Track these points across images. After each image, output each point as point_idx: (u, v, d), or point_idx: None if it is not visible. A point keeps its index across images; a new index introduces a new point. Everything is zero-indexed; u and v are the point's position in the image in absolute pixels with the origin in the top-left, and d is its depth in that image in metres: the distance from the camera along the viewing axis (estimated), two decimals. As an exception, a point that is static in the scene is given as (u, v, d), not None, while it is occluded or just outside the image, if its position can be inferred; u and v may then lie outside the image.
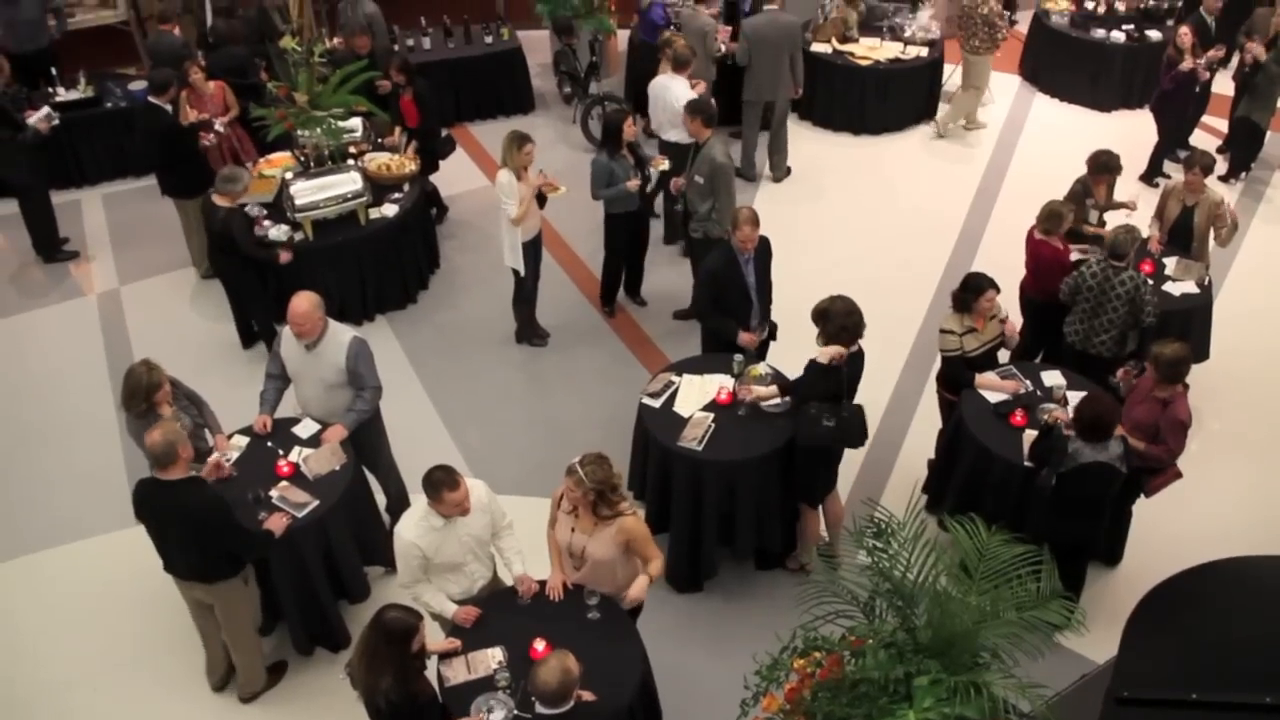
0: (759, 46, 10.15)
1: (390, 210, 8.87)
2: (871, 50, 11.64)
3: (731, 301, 7.08)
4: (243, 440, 6.34)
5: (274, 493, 5.96)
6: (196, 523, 5.34)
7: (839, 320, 5.95)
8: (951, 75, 12.26)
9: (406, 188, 9.12)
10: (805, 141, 11.20)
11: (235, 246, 7.88)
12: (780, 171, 10.90)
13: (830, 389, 6.00)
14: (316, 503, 5.93)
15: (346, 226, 8.66)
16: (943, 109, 11.86)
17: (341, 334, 6.29)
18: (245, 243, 7.93)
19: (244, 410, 6.57)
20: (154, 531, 5.55)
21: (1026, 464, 6.12)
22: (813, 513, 6.58)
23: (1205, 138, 11.09)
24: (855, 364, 6.14)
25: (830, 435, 6.02)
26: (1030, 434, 6.24)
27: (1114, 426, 5.72)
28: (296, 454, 6.20)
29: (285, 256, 8.10)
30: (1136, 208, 8.21)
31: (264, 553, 5.73)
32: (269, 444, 6.29)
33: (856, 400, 6.22)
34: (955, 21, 11.52)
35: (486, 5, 12.96)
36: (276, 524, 5.70)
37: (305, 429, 6.39)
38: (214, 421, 6.37)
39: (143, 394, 5.79)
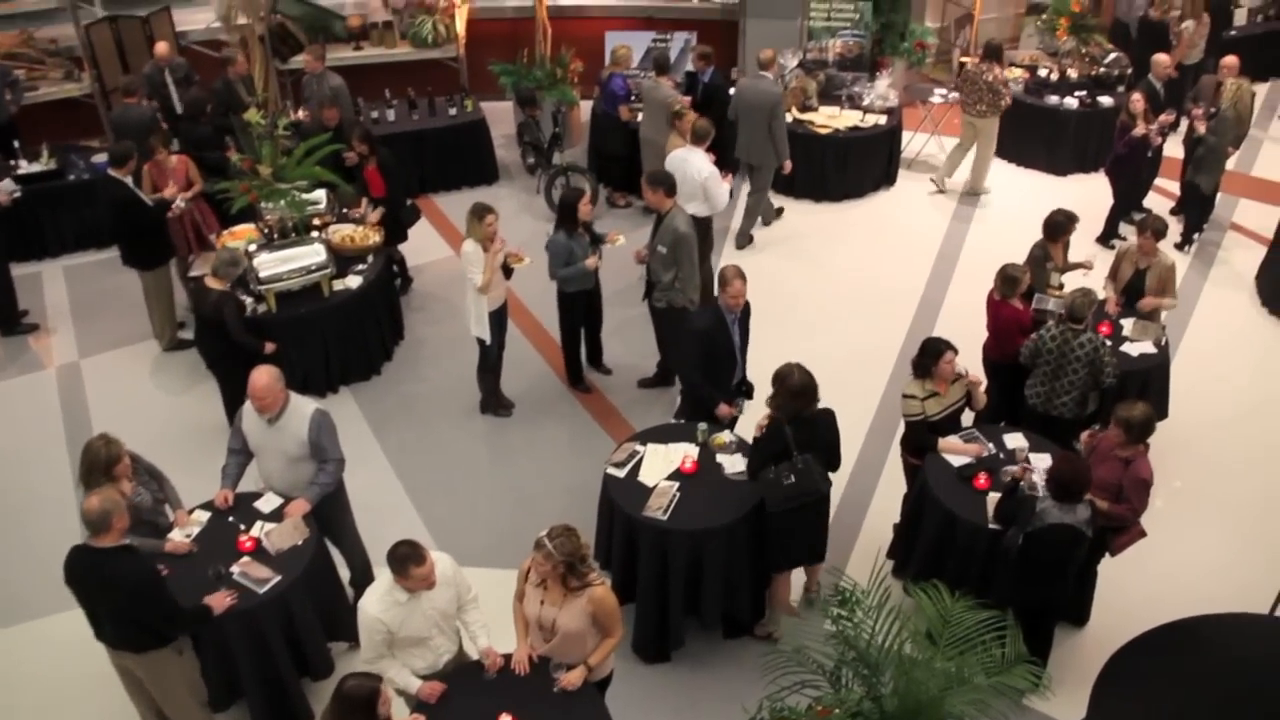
0: (740, 107, 10.55)
1: (354, 282, 8.89)
2: (831, 119, 11.85)
3: (717, 361, 7.14)
4: (204, 515, 6.25)
5: (235, 568, 5.87)
6: (125, 592, 5.23)
7: (781, 388, 6.03)
8: (911, 141, 12.50)
9: (370, 259, 9.14)
10: (767, 209, 11.33)
11: (225, 331, 7.82)
12: (743, 239, 11.00)
13: (774, 452, 6.03)
14: (279, 578, 5.84)
15: (310, 298, 8.66)
16: (944, 167, 12.03)
17: (303, 406, 6.25)
18: (235, 329, 7.82)
19: (205, 485, 6.49)
20: (82, 598, 5.42)
21: (991, 526, 6.13)
22: (782, 579, 6.56)
23: (1159, 200, 11.32)
24: (824, 426, 6.16)
25: (793, 491, 6.00)
26: (994, 496, 6.26)
27: (1086, 490, 5.75)
28: (259, 529, 6.13)
29: (270, 347, 7.99)
30: (1094, 266, 8.38)
31: (189, 628, 5.58)
32: (230, 519, 6.22)
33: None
34: (958, 85, 11.85)
35: (450, 77, 13.09)
36: (218, 601, 5.57)
37: (268, 503, 6.32)
38: (174, 496, 6.31)
39: (101, 469, 5.71)
